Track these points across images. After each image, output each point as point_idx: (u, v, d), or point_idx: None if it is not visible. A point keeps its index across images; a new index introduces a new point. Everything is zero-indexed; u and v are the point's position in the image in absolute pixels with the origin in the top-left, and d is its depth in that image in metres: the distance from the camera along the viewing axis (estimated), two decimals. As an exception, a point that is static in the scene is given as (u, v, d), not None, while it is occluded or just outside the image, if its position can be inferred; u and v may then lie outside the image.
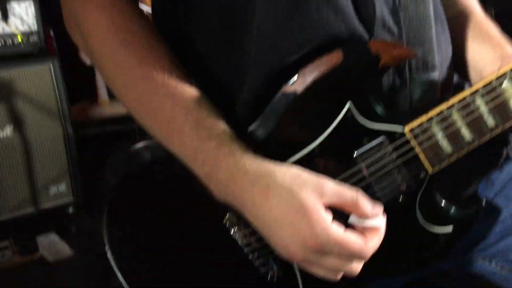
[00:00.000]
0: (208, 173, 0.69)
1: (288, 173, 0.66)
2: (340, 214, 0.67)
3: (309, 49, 0.72)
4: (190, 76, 0.74)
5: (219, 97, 0.75)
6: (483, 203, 0.78)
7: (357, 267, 0.67)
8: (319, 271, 0.67)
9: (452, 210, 0.77)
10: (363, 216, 0.66)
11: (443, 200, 0.77)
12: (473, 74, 0.91)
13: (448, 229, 0.77)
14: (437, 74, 0.82)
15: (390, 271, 0.80)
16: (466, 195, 0.85)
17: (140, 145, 0.83)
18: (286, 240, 0.64)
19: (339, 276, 0.67)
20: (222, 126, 0.70)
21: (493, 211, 0.89)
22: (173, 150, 0.72)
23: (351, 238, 0.64)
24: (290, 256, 0.66)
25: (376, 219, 0.67)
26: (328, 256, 0.64)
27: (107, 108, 2.54)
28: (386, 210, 0.75)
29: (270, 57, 0.71)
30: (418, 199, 0.77)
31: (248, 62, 0.73)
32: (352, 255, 0.65)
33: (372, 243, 0.66)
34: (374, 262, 0.69)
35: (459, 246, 0.87)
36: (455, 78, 0.95)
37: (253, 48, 0.72)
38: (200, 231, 0.77)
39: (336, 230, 0.63)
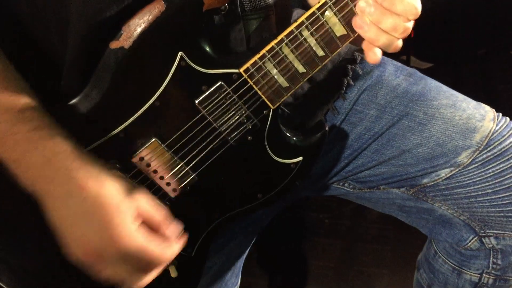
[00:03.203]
0: (17, 158, 0.63)
1: (110, 186, 0.63)
2: None
3: (130, 2, 0.69)
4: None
5: (44, 59, 0.70)
6: (327, 128, 0.82)
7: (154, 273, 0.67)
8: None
9: (298, 140, 0.81)
10: (164, 234, 0.67)
11: (288, 133, 0.81)
12: None
13: (299, 158, 0.81)
14: (272, 8, 0.81)
15: (248, 203, 0.82)
16: (311, 124, 0.89)
17: None
18: (86, 237, 0.62)
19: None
20: (37, 107, 0.65)
21: (340, 138, 0.95)
22: None
23: (151, 246, 0.64)
24: (82, 253, 0.63)
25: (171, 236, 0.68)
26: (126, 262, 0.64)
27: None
28: (238, 150, 0.77)
29: (86, 10, 0.67)
30: (266, 135, 0.79)
31: (68, 17, 0.68)
32: (152, 261, 0.65)
33: (171, 251, 0.67)
34: (232, 197, 0.70)
35: (314, 175, 0.92)
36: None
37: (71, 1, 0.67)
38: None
39: (141, 237, 0.63)
